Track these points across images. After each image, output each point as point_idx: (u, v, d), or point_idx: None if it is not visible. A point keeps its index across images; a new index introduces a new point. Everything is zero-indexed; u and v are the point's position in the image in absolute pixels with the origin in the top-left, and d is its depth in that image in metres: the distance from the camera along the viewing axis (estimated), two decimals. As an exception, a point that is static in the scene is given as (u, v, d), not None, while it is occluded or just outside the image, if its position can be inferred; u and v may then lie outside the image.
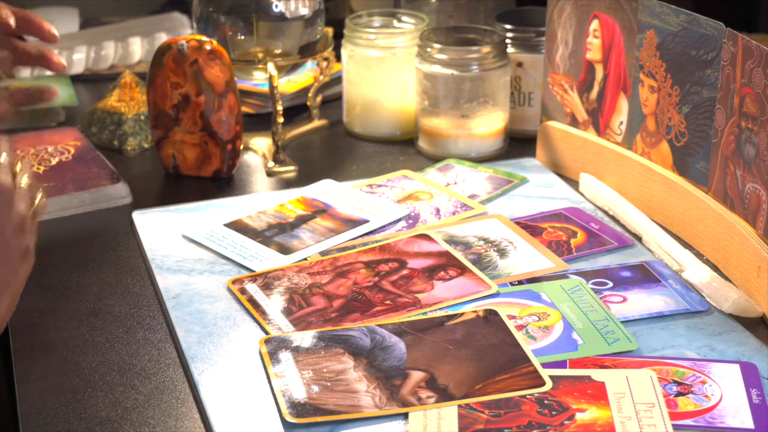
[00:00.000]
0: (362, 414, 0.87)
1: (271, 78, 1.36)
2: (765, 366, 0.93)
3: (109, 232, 1.21)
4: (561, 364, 0.93)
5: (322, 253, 1.13)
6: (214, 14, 1.36)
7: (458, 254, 1.11)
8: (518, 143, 1.41)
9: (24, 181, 0.87)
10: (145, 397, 0.92)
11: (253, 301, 1.04)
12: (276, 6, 1.35)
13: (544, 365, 0.93)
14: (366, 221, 1.19)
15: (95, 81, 1.66)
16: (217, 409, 0.89)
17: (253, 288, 1.06)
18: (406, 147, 1.42)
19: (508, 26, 1.40)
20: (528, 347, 0.95)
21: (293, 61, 1.39)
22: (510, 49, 1.39)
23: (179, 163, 1.33)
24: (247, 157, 1.39)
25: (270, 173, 1.35)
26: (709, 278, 1.06)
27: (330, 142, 1.45)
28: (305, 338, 0.97)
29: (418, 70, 1.37)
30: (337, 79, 1.55)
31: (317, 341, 0.96)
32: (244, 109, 1.51)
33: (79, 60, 1.67)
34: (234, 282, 1.07)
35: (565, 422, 0.86)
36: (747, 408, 0.88)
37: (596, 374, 0.91)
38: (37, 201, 0.88)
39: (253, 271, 1.10)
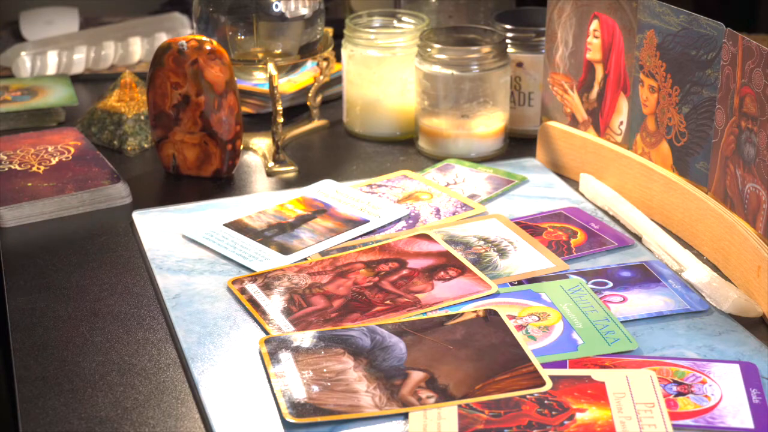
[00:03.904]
0: (362, 414, 0.87)
1: (271, 78, 1.36)
2: (765, 366, 0.93)
3: (109, 232, 1.21)
4: (561, 364, 0.93)
5: (322, 253, 1.13)
6: (214, 14, 1.36)
7: (458, 254, 1.11)
8: (518, 143, 1.41)
9: None
10: (145, 397, 0.92)
11: (253, 301, 1.04)
12: (276, 6, 1.35)
13: (544, 365, 0.93)
14: (366, 221, 1.19)
15: (95, 81, 1.66)
16: (217, 409, 0.89)
17: (253, 288, 1.06)
18: (406, 147, 1.42)
19: (508, 26, 1.40)
20: (528, 347, 0.95)
21: (293, 61, 1.39)
22: (510, 49, 1.39)
23: (179, 163, 1.33)
24: (247, 157, 1.39)
25: (270, 173, 1.35)
26: (709, 278, 1.06)
27: (330, 142, 1.45)
28: (305, 338, 0.97)
29: (418, 70, 1.37)
30: (337, 79, 1.55)
31: (317, 341, 0.96)
32: (244, 109, 1.51)
33: (79, 60, 1.67)
34: (234, 282, 1.07)
35: (565, 422, 0.86)
36: (747, 408, 0.88)
37: (596, 374, 0.91)
38: None
39: (253, 271, 1.10)
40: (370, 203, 1.22)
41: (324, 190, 1.26)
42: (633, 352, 0.95)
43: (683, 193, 1.16)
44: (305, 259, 1.12)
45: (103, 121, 1.42)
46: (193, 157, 1.32)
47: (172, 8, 1.85)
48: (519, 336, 0.96)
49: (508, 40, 1.39)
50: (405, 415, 0.88)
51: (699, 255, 1.13)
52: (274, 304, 1.03)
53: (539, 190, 1.27)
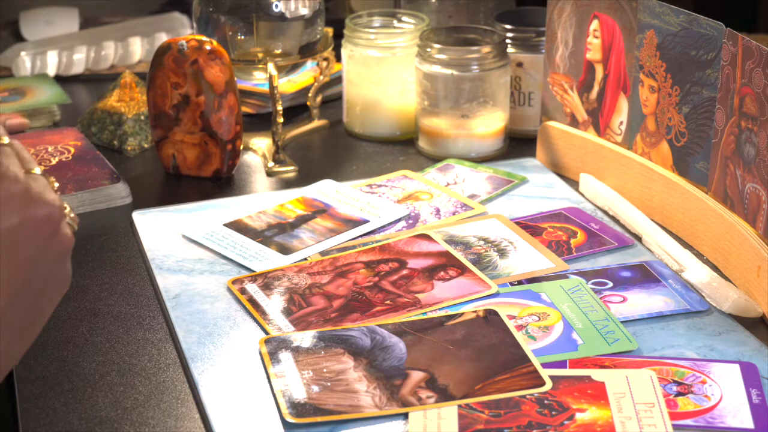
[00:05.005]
0: (362, 414, 0.87)
1: (271, 78, 1.36)
2: (765, 366, 0.93)
3: (109, 232, 1.21)
4: (561, 364, 0.93)
5: (322, 253, 1.13)
6: (214, 14, 1.36)
7: (458, 254, 1.11)
8: (518, 143, 1.41)
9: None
10: (145, 397, 0.92)
11: (253, 301, 1.04)
12: (276, 6, 1.35)
13: (544, 365, 0.93)
14: (366, 221, 1.19)
15: (95, 81, 1.66)
16: (217, 409, 0.89)
17: (253, 288, 1.06)
18: (406, 147, 1.42)
19: (508, 26, 1.40)
20: (528, 347, 0.95)
21: (293, 61, 1.39)
22: (510, 49, 1.39)
23: (179, 163, 1.33)
24: (247, 157, 1.39)
25: (270, 173, 1.35)
26: (709, 278, 1.06)
27: (330, 142, 1.45)
28: (305, 338, 0.97)
29: (418, 70, 1.37)
30: (337, 79, 1.55)
31: (317, 341, 0.96)
32: (244, 109, 1.51)
33: (79, 60, 1.66)
34: (234, 282, 1.07)
35: (565, 422, 0.86)
36: (747, 408, 0.88)
37: (596, 374, 0.91)
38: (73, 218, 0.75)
39: (253, 271, 1.10)
40: (370, 203, 1.22)
41: (324, 190, 1.26)
42: (633, 352, 0.95)
43: (683, 193, 1.16)
44: (305, 259, 1.12)
45: (103, 121, 1.42)
46: (193, 157, 1.32)
47: (172, 8, 1.85)
48: (519, 336, 0.96)
49: (508, 40, 1.39)
50: (405, 415, 0.88)
51: (699, 255, 1.13)
52: (274, 304, 1.03)
53: (539, 190, 1.27)
